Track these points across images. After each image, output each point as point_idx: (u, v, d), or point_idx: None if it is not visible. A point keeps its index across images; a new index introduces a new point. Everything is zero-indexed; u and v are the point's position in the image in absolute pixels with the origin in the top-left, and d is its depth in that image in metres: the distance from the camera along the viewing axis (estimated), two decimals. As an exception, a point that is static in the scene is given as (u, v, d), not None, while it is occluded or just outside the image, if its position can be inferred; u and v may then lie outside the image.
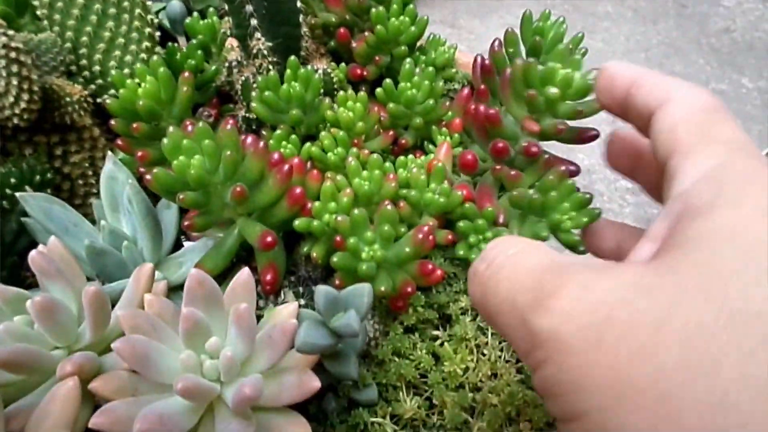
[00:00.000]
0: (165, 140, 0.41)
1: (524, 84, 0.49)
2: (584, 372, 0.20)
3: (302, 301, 0.54)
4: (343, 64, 0.62)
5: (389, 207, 0.42)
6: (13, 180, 0.47)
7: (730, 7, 1.64)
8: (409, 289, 0.44)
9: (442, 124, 0.60)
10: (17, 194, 0.45)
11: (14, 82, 0.42)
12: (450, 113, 0.61)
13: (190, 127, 0.44)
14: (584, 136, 0.50)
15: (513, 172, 0.47)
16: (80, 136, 0.52)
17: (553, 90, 0.46)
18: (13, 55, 0.41)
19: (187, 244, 0.55)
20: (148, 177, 0.42)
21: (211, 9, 0.63)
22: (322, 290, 0.38)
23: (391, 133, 0.58)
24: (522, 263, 0.25)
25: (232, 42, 0.64)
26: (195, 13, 0.62)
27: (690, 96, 0.27)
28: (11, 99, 0.43)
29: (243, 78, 0.60)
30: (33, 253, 0.38)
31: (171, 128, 0.42)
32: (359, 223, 0.42)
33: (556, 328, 0.22)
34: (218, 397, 0.36)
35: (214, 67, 0.58)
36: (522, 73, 0.48)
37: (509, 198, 0.47)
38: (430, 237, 0.46)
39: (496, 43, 0.61)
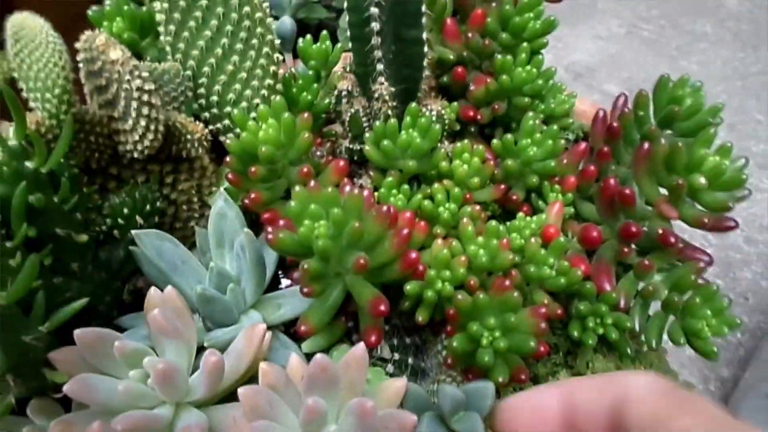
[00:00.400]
0: (292, 202, 0.40)
1: (665, 165, 0.45)
2: None
3: (396, 355, 0.52)
4: (455, 104, 0.59)
5: (516, 295, 0.40)
6: (125, 210, 0.47)
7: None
8: (523, 377, 0.42)
9: (554, 179, 0.57)
10: (133, 232, 0.44)
11: (142, 122, 0.41)
12: (562, 169, 0.58)
13: (312, 183, 0.43)
14: (723, 226, 0.46)
15: (646, 262, 0.44)
16: (191, 165, 0.51)
17: (701, 180, 0.42)
18: (145, 98, 0.40)
19: (285, 281, 0.54)
20: (269, 237, 0.41)
21: (324, 32, 0.61)
22: (448, 392, 0.36)
23: (502, 187, 0.55)
24: None
25: (341, 69, 0.62)
26: (308, 36, 0.60)
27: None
28: (137, 137, 0.43)
29: (353, 110, 0.58)
30: (155, 313, 0.37)
31: (297, 188, 0.40)
32: (483, 308, 0.40)
33: None
34: None
35: (326, 101, 0.56)
36: (665, 154, 0.45)
37: (643, 292, 0.44)
38: (545, 327, 0.43)
39: (621, 101, 0.58)
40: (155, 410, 0.37)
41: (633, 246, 0.47)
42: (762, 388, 0.83)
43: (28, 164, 0.37)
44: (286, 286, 0.54)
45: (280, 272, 0.56)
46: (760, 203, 1.24)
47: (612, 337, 0.45)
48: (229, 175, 0.51)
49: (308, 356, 0.53)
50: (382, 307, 0.43)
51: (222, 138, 0.53)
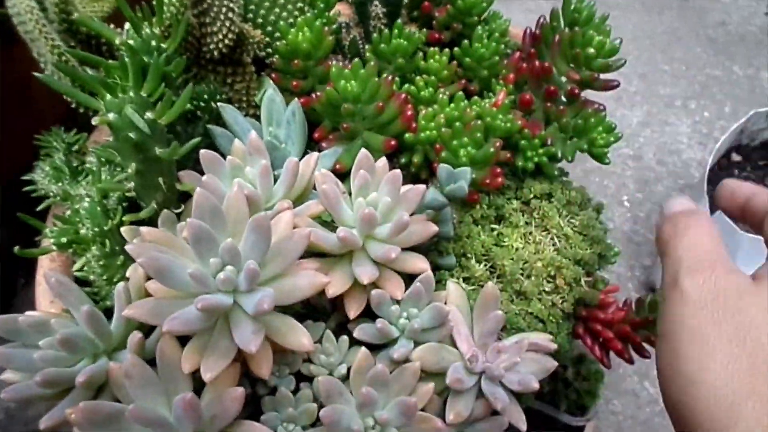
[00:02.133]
0: (333, 69, 0.61)
1: (569, 46, 0.69)
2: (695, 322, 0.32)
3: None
4: (424, 30, 0.82)
5: (479, 122, 0.62)
6: (206, 96, 0.67)
7: (727, 3, 1.84)
8: (488, 182, 0.64)
9: (499, 77, 0.80)
10: (220, 104, 0.65)
11: (227, 24, 0.62)
12: (504, 70, 0.81)
13: (340, 64, 0.64)
14: (609, 86, 0.70)
15: (561, 108, 0.67)
16: (244, 70, 0.71)
17: (591, 50, 0.66)
18: (231, 5, 0.61)
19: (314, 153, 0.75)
20: (316, 95, 0.62)
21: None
22: (443, 167, 0.58)
23: (463, 81, 0.78)
24: (702, 234, 0.37)
25: (340, 9, 0.84)
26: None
27: None
28: (220, 36, 0.63)
29: (351, 36, 0.79)
30: (253, 137, 0.58)
31: (333, 61, 0.62)
32: (458, 132, 0.62)
33: (694, 293, 0.34)
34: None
35: (335, 26, 0.78)
36: (569, 38, 0.68)
37: (559, 125, 0.67)
38: (499, 151, 0.66)
39: (541, 19, 0.81)
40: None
41: (554, 104, 0.70)
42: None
43: (163, 45, 0.58)
44: (315, 157, 0.75)
45: (307, 150, 0.77)
46: (668, 134, 1.52)
47: (544, 161, 0.68)
48: (273, 75, 0.72)
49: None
50: (392, 142, 0.65)
51: (261, 53, 0.74)
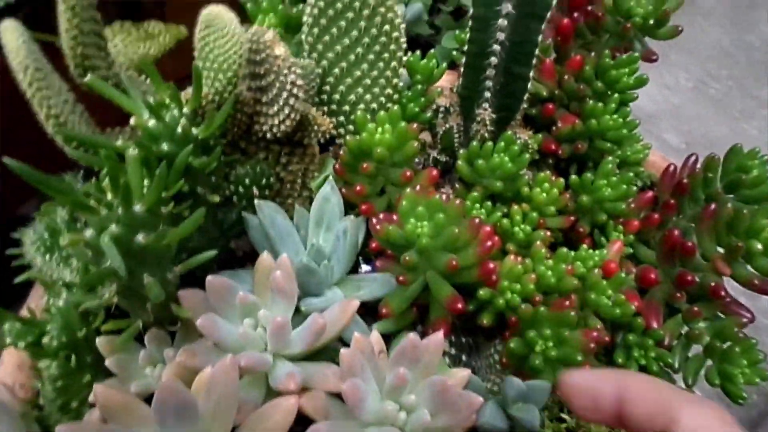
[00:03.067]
0: (404, 202, 0.46)
1: (727, 229, 0.51)
2: None
3: (453, 350, 0.58)
4: (539, 135, 0.65)
5: (572, 314, 0.46)
6: (247, 180, 0.54)
7: None
8: (571, 389, 0.48)
9: (619, 219, 0.63)
10: (256, 202, 0.51)
11: (286, 110, 0.48)
12: (627, 212, 0.63)
13: (418, 188, 0.49)
14: (766, 288, 0.51)
15: (695, 309, 0.49)
16: (305, 151, 0.58)
17: (759, 246, 0.48)
18: (295, 90, 0.47)
19: (364, 266, 0.61)
20: (378, 227, 0.47)
21: (432, 51, 0.67)
22: (514, 383, 0.42)
23: (572, 218, 0.61)
24: None
25: (442, 87, 0.68)
26: (417, 52, 0.66)
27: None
28: (276, 121, 0.49)
29: (447, 126, 0.64)
30: (278, 274, 0.44)
31: (408, 190, 0.47)
32: (542, 320, 0.46)
33: None
34: None
35: (429, 114, 0.62)
36: (729, 218, 0.50)
37: (687, 333, 0.49)
38: (593, 347, 0.49)
39: (692, 160, 0.63)
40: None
41: (684, 293, 0.52)
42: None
43: (195, 131, 0.44)
44: (366, 272, 0.61)
45: (359, 257, 0.62)
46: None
47: (653, 369, 0.51)
48: (337, 166, 0.57)
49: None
50: (459, 305, 0.49)
51: (333, 132, 0.60)
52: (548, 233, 0.58)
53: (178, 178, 0.44)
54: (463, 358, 0.59)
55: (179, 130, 0.43)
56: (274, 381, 0.43)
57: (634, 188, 0.60)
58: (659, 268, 0.56)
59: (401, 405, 0.42)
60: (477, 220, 0.49)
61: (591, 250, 0.58)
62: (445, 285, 0.51)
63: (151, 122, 0.42)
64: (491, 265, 0.51)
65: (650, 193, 0.63)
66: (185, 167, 0.45)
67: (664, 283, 0.54)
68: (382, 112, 0.52)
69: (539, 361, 0.46)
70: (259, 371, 0.43)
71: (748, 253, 0.49)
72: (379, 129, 0.52)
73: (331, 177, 0.56)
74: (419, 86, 0.62)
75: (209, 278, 0.44)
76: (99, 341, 0.47)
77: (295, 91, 0.47)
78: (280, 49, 0.45)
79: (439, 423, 0.41)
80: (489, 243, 0.50)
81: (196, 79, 0.42)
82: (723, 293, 0.49)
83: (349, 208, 0.58)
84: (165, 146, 0.43)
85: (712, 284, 0.50)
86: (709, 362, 0.49)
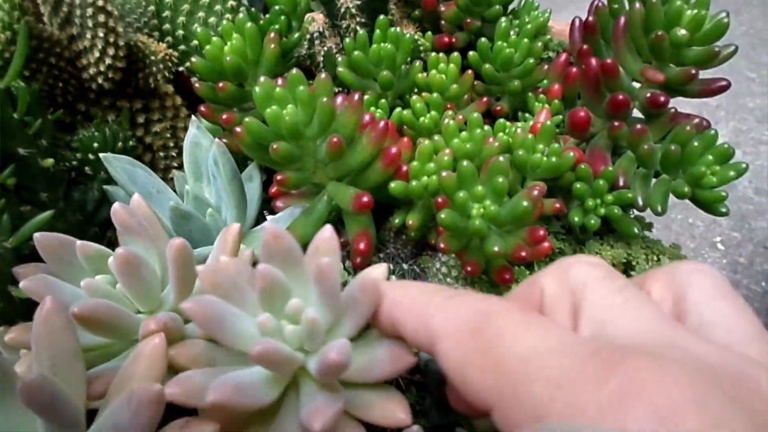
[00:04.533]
0: (257, 89, 0.38)
1: (643, 29, 0.43)
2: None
3: (393, 278, 0.49)
4: (429, 33, 0.58)
5: (501, 159, 0.38)
6: (95, 144, 0.45)
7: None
8: (523, 254, 0.39)
9: (538, 91, 0.56)
10: (101, 155, 0.42)
11: (100, 34, 0.40)
12: (545, 81, 0.56)
13: (280, 81, 0.41)
14: (713, 87, 0.44)
15: (639, 126, 0.41)
16: (163, 104, 0.49)
17: (682, 32, 0.41)
18: (100, 3, 0.39)
19: (270, 218, 0.52)
20: (237, 129, 0.39)
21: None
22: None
23: (485, 99, 0.54)
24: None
25: (313, 16, 0.61)
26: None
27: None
28: (96, 54, 0.41)
29: (325, 48, 0.57)
30: (116, 206, 0.35)
31: (262, 78, 0.39)
32: (468, 176, 0.38)
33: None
34: (302, 369, 0.30)
35: (296, 35, 0.55)
36: (642, 16, 0.43)
37: (637, 154, 0.41)
38: (540, 202, 0.41)
39: (596, 2, 0.56)
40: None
41: (624, 123, 0.45)
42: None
43: (-18, 71, 0.36)
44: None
45: (265, 212, 0.54)
46: (765, 155, 1.22)
47: (615, 214, 0.43)
48: (202, 107, 0.49)
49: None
50: (365, 199, 0.40)
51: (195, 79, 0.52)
52: (460, 118, 0.50)
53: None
54: (409, 283, 0.49)
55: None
56: (144, 329, 0.33)
57: (540, 45, 0.53)
58: (591, 110, 0.48)
59: (289, 318, 0.31)
60: (356, 95, 0.40)
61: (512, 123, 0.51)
62: (347, 188, 0.43)
63: None
64: (393, 150, 0.43)
65: (564, 55, 0.57)
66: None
67: (599, 120, 0.47)
68: (225, 22, 0.45)
69: (479, 221, 0.37)
70: (119, 326, 0.33)
71: (674, 46, 0.41)
72: (227, 42, 0.45)
73: (194, 118, 0.48)
74: (278, 9, 0.55)
75: (36, 236, 0.35)
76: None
77: (100, 3, 0.39)
78: (65, -42, 0.38)
79: (343, 331, 0.30)
80: (382, 124, 0.42)
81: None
82: (663, 99, 0.42)
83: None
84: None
85: (649, 95, 0.42)
86: (674, 181, 0.41)
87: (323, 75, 0.39)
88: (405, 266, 0.51)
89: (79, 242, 0.35)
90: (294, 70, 0.38)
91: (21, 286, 0.32)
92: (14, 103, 0.40)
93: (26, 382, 0.24)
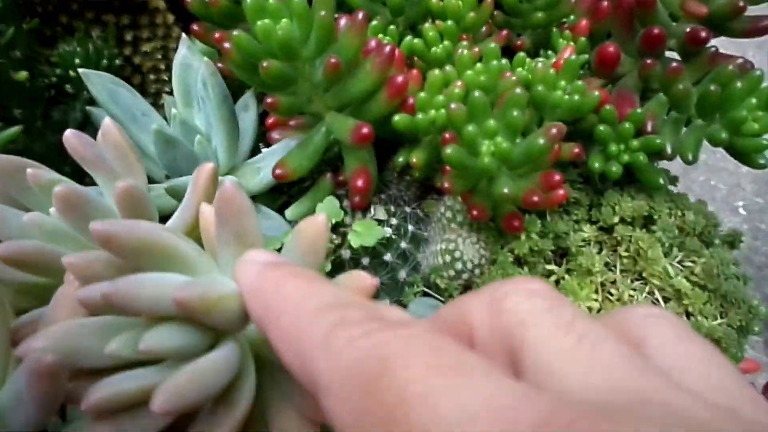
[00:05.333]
0: (247, 1, 0.34)
1: (689, -45, 0.38)
2: None
3: (394, 221, 0.46)
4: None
5: (518, 91, 0.34)
6: (77, 60, 0.42)
7: None
8: (536, 199, 0.35)
9: (564, 26, 0.51)
10: (80, 71, 0.39)
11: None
12: (572, 16, 0.51)
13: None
14: (761, 26, 0.39)
15: (674, 64, 0.37)
16: (153, 20, 0.45)
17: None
18: None
19: (265, 150, 0.49)
20: (226, 45, 0.35)
21: None
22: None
23: (504, 32, 0.49)
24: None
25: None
26: None
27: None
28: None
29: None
30: (68, 132, 0.31)
31: (254, -11, 0.35)
32: (479, 108, 0.34)
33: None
34: None
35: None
36: (689, -62, 0.38)
37: (670, 96, 0.37)
38: (557, 144, 0.37)
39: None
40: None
41: (658, 61, 0.40)
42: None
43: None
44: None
45: (261, 144, 0.50)
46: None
47: (640, 161, 0.39)
48: (194, 26, 0.45)
49: (291, 225, 0.47)
50: (365, 130, 0.37)
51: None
52: (477, 50, 0.45)
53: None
54: (410, 227, 0.46)
55: None
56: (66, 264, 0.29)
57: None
58: (622, 49, 0.43)
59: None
60: (360, 14, 0.36)
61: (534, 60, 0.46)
62: (346, 119, 0.39)
63: None
64: (399, 79, 0.39)
65: (595, -13, 0.51)
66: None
67: (630, 59, 0.42)
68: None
69: (488, 159, 0.33)
70: (56, 269, 0.29)
71: (724, -28, 0.36)
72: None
73: (184, 36, 0.44)
74: None
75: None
76: None
77: None
78: None
79: None
80: (387, 49, 0.37)
81: None
82: (704, 34, 0.37)
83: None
84: None
85: (688, 30, 0.38)
86: (711, 127, 0.37)
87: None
88: (407, 209, 0.48)
89: (30, 170, 0.31)
90: (290, -18, 0.34)
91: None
92: (-18, 6, 0.36)
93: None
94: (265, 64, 0.33)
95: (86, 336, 0.21)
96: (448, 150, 0.33)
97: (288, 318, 0.18)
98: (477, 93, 0.33)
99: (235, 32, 0.33)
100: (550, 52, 0.50)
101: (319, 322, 0.17)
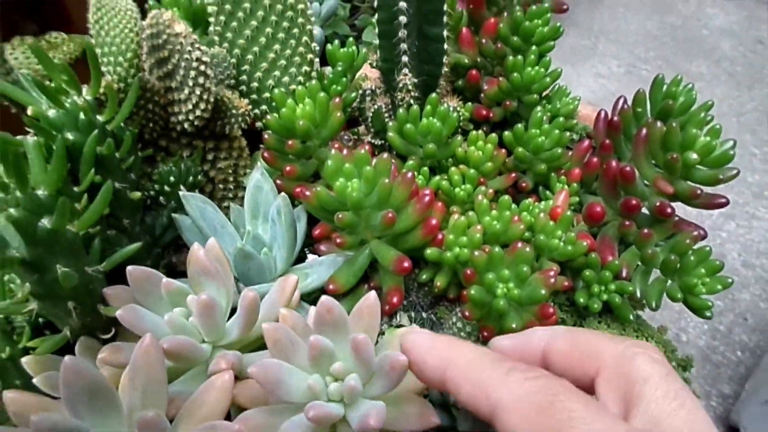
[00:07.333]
0: (329, 162, 0.44)
1: (661, 147, 0.50)
2: None
3: (415, 326, 0.56)
4: (469, 104, 0.65)
5: (527, 249, 0.44)
6: (172, 178, 0.52)
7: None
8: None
9: (560, 172, 0.62)
10: (181, 194, 0.49)
11: (197, 92, 0.46)
12: (568, 163, 0.63)
13: (345, 151, 0.48)
14: (715, 203, 0.51)
15: (645, 231, 0.48)
16: (231, 145, 0.56)
17: (694, 156, 0.47)
18: (202, 68, 0.46)
19: (311, 257, 0.59)
20: (307, 193, 0.45)
21: (350, 39, 0.67)
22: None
23: (513, 175, 0.60)
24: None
25: (366, 73, 0.68)
26: (336, 42, 0.66)
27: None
28: (190, 106, 0.47)
29: (375, 107, 0.63)
30: (195, 248, 0.41)
31: (333, 150, 0.45)
32: (497, 260, 0.44)
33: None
34: (342, 419, 0.37)
35: (353, 94, 0.62)
36: (661, 135, 0.50)
37: (641, 254, 0.48)
38: (554, 281, 0.47)
39: (621, 101, 0.63)
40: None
41: (634, 222, 0.51)
42: (762, 395, 0.85)
43: (99, 117, 0.42)
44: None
45: (306, 249, 0.60)
46: (757, 230, 1.29)
47: (615, 302, 0.49)
48: (265, 154, 0.56)
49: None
50: (405, 264, 0.47)
51: (259, 124, 0.59)
52: (491, 191, 0.57)
53: (88, 169, 0.42)
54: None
55: (82, 116, 0.41)
56: (214, 366, 0.40)
57: (568, 134, 0.60)
58: (606, 204, 0.55)
59: (334, 377, 0.37)
60: (410, 175, 0.47)
61: (536, 202, 0.57)
62: (390, 250, 0.49)
63: (51, 111, 0.40)
64: (434, 221, 0.49)
65: (587, 142, 0.63)
66: (95, 157, 0.43)
67: (613, 220, 0.53)
68: (299, 87, 0.51)
69: (503, 302, 0.44)
70: (192, 358, 0.39)
71: (686, 166, 0.48)
72: (300, 105, 0.51)
73: (260, 164, 0.54)
74: (341, 70, 0.62)
75: (129, 268, 0.41)
76: (25, 360, 0.43)
77: (202, 68, 0.46)
78: (180, 27, 0.44)
79: (375, 391, 0.36)
80: (427, 197, 0.48)
81: (91, 60, 0.40)
82: (669, 210, 0.48)
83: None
84: (70, 135, 0.41)
85: (657, 204, 0.49)
86: (670, 282, 0.48)
87: (385, 155, 0.46)
88: (424, 314, 0.58)
89: (165, 279, 0.41)
90: (362, 150, 0.45)
91: (117, 315, 0.39)
92: (116, 141, 0.46)
93: (145, 418, 0.30)
94: (340, 215, 0.43)
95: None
96: (473, 291, 0.44)
97: (466, 362, 0.27)
98: (496, 248, 0.44)
99: (317, 188, 0.44)
100: (548, 193, 0.62)
101: (500, 365, 0.26)
